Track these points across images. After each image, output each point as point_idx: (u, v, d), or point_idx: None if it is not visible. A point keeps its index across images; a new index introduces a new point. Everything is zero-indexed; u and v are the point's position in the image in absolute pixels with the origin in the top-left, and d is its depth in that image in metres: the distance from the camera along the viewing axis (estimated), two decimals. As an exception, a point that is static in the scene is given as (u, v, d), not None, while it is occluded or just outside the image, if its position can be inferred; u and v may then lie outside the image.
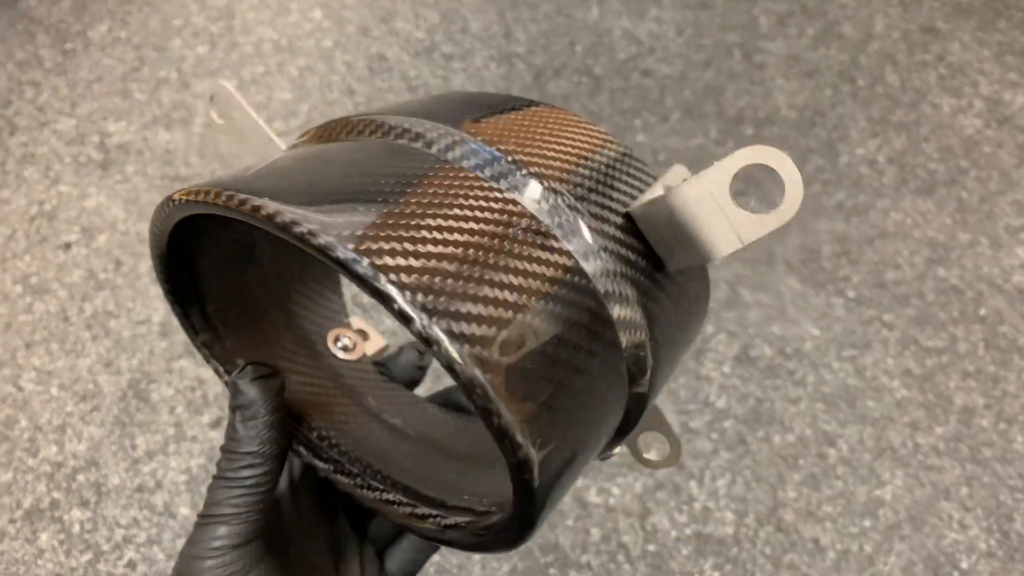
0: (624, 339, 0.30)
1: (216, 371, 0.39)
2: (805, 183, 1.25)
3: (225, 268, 0.38)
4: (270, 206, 0.26)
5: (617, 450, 0.38)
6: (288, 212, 0.25)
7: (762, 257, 1.08)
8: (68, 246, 1.02)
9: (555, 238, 0.29)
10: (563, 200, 0.30)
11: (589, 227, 0.30)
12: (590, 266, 0.29)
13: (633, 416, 0.32)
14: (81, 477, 0.87)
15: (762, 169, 0.28)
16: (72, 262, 1.01)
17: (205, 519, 0.32)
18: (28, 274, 1.00)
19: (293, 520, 0.37)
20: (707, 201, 0.29)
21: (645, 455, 0.40)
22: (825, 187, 1.16)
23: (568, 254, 0.29)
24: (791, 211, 0.27)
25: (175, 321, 0.96)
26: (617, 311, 0.30)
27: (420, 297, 0.24)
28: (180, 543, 0.84)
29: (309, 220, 0.25)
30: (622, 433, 0.34)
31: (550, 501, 0.28)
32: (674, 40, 1.32)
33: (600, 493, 0.89)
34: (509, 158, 0.30)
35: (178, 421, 0.91)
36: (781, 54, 1.31)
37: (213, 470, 0.86)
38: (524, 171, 0.30)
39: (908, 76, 1.30)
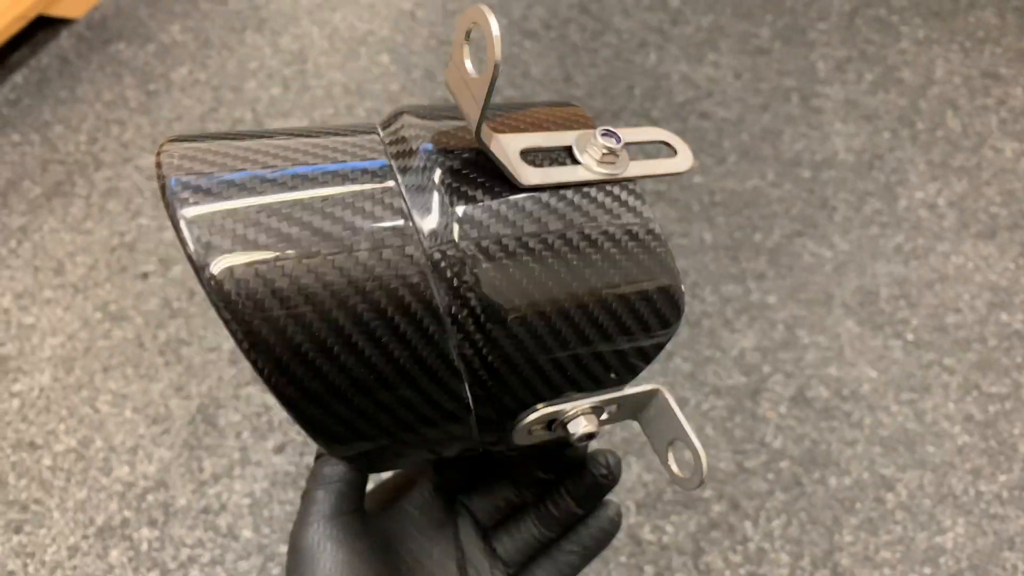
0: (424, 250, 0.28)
1: None
2: (862, 226, 1.23)
3: None
4: (170, 158, 0.28)
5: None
6: (176, 169, 0.27)
7: (820, 298, 1.07)
8: (146, 276, 1.08)
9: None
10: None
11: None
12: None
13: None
14: (151, 497, 0.91)
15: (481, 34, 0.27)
16: (149, 291, 1.06)
17: (305, 492, 0.34)
18: (108, 301, 1.05)
19: (415, 520, 0.38)
20: (454, 70, 0.29)
21: (671, 466, 0.36)
22: (883, 229, 1.15)
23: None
24: (492, 62, 0.25)
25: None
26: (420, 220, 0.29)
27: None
28: (243, 564, 0.86)
29: (185, 185, 0.27)
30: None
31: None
32: (732, 84, 1.34)
33: (654, 531, 0.89)
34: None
35: (244, 446, 0.94)
36: (839, 99, 1.32)
37: (277, 494, 0.89)
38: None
39: (969, 120, 1.30)
